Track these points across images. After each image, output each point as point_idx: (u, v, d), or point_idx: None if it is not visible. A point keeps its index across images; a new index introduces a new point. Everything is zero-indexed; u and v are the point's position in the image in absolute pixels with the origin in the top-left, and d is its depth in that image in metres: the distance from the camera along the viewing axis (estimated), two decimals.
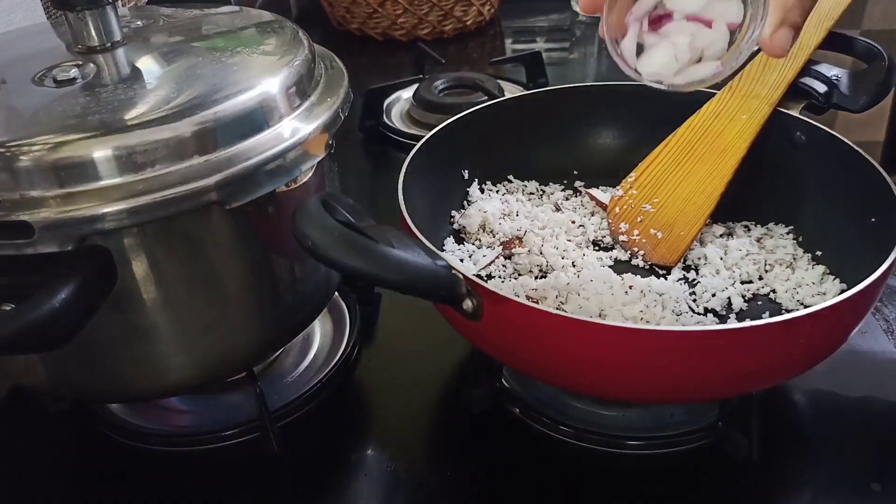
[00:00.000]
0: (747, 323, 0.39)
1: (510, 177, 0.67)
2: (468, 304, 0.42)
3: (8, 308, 0.37)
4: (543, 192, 0.67)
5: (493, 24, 1.25)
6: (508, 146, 0.66)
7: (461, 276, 0.41)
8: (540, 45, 1.17)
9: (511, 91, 0.95)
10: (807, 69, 0.60)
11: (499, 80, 0.94)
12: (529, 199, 0.66)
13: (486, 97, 0.88)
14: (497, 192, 0.66)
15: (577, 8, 1.27)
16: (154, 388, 0.48)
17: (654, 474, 0.49)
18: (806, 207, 0.59)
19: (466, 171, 0.64)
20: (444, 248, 0.60)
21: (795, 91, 0.60)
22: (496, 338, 0.45)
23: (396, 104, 0.97)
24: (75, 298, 0.36)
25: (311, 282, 0.51)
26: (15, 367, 0.47)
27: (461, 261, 0.59)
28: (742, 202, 0.61)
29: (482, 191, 0.65)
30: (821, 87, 0.59)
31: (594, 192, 0.66)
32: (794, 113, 0.59)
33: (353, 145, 0.91)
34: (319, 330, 0.61)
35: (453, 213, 0.63)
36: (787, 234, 0.60)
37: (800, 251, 0.58)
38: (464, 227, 0.62)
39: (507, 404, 0.52)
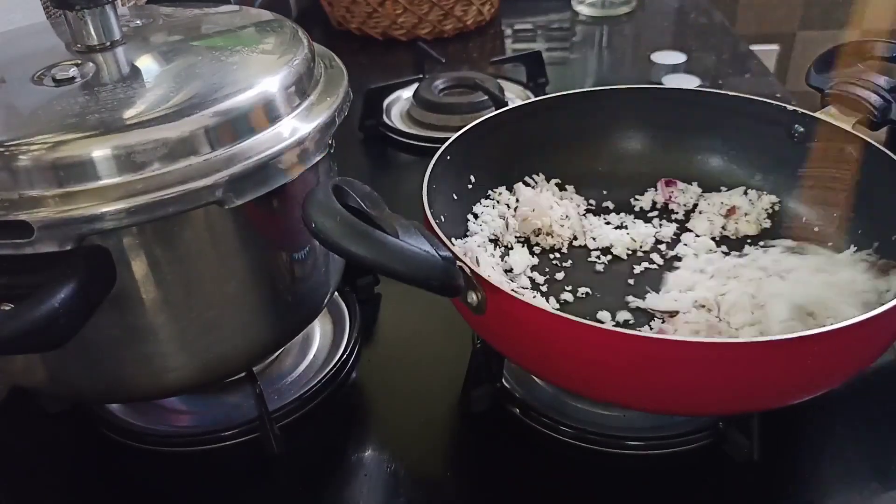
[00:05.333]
0: (750, 338, 0.39)
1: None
2: (472, 297, 0.42)
3: (7, 308, 0.36)
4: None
5: (493, 24, 1.24)
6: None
7: (467, 269, 0.41)
8: (540, 44, 1.16)
9: (511, 91, 0.96)
10: (864, 81, 0.56)
11: (499, 80, 0.93)
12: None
13: (486, 97, 0.88)
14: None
15: (577, 8, 1.27)
16: (154, 388, 0.48)
17: (654, 474, 0.49)
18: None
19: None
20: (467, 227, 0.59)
21: (849, 104, 0.56)
22: (499, 332, 0.45)
23: (396, 104, 0.97)
24: (74, 298, 0.36)
25: (310, 282, 0.51)
26: (15, 367, 0.47)
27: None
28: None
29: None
30: (877, 101, 0.55)
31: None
32: (847, 127, 0.55)
33: (353, 145, 0.91)
34: (319, 330, 0.61)
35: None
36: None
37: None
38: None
39: (507, 404, 0.52)
